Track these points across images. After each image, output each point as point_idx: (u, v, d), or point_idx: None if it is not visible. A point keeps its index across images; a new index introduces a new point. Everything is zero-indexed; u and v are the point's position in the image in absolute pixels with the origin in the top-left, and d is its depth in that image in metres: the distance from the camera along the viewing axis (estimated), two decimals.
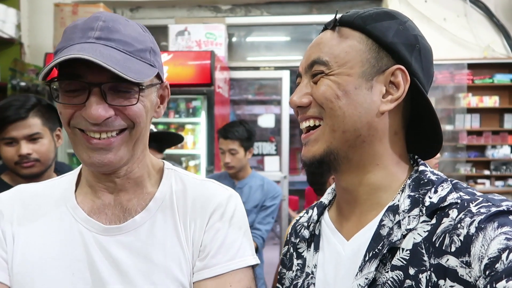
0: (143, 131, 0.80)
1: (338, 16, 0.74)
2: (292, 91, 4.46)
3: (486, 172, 4.65)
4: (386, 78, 0.71)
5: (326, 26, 0.76)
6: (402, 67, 0.70)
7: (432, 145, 0.76)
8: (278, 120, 4.70)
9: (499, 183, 4.61)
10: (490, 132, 4.61)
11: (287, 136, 4.50)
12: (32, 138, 1.55)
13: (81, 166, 0.89)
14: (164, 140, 2.25)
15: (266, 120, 4.93)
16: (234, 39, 4.89)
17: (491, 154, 4.62)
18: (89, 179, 0.84)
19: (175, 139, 2.39)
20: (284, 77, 4.48)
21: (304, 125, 0.75)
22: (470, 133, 4.61)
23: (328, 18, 0.78)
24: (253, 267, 0.83)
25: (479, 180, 4.62)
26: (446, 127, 4.61)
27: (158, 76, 0.81)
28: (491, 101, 4.52)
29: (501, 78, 4.48)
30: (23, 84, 3.56)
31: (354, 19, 0.72)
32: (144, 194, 0.84)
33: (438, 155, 2.18)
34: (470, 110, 4.56)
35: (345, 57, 0.71)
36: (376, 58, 0.71)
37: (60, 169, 2.24)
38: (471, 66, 4.44)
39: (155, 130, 2.17)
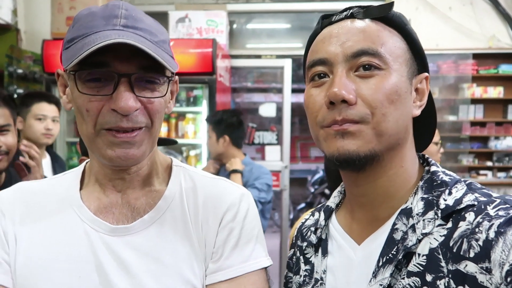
0: (159, 128, 0.76)
1: (355, 8, 0.69)
2: (294, 79, 4.41)
3: (489, 163, 4.64)
4: (416, 83, 0.69)
5: (354, 15, 0.68)
6: (428, 75, 0.70)
7: (424, 144, 0.78)
8: (279, 109, 4.64)
9: (501, 174, 4.61)
10: (494, 123, 4.59)
11: (288, 125, 4.45)
12: (2, 130, 1.38)
13: (84, 163, 0.85)
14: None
15: (267, 109, 4.87)
16: (235, 26, 4.82)
17: (494, 145, 4.60)
18: (97, 177, 0.80)
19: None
20: (286, 66, 4.41)
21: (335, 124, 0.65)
22: (473, 124, 4.59)
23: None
24: (266, 268, 0.80)
25: (482, 171, 4.62)
26: (450, 118, 4.58)
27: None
28: (496, 91, 4.49)
29: (506, 69, 4.45)
30: (20, 71, 3.50)
31: (394, 16, 0.68)
32: (152, 192, 0.80)
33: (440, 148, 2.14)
34: (474, 101, 4.53)
35: (395, 52, 0.66)
36: (411, 60, 0.68)
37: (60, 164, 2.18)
38: (476, 56, 4.40)
39: None
